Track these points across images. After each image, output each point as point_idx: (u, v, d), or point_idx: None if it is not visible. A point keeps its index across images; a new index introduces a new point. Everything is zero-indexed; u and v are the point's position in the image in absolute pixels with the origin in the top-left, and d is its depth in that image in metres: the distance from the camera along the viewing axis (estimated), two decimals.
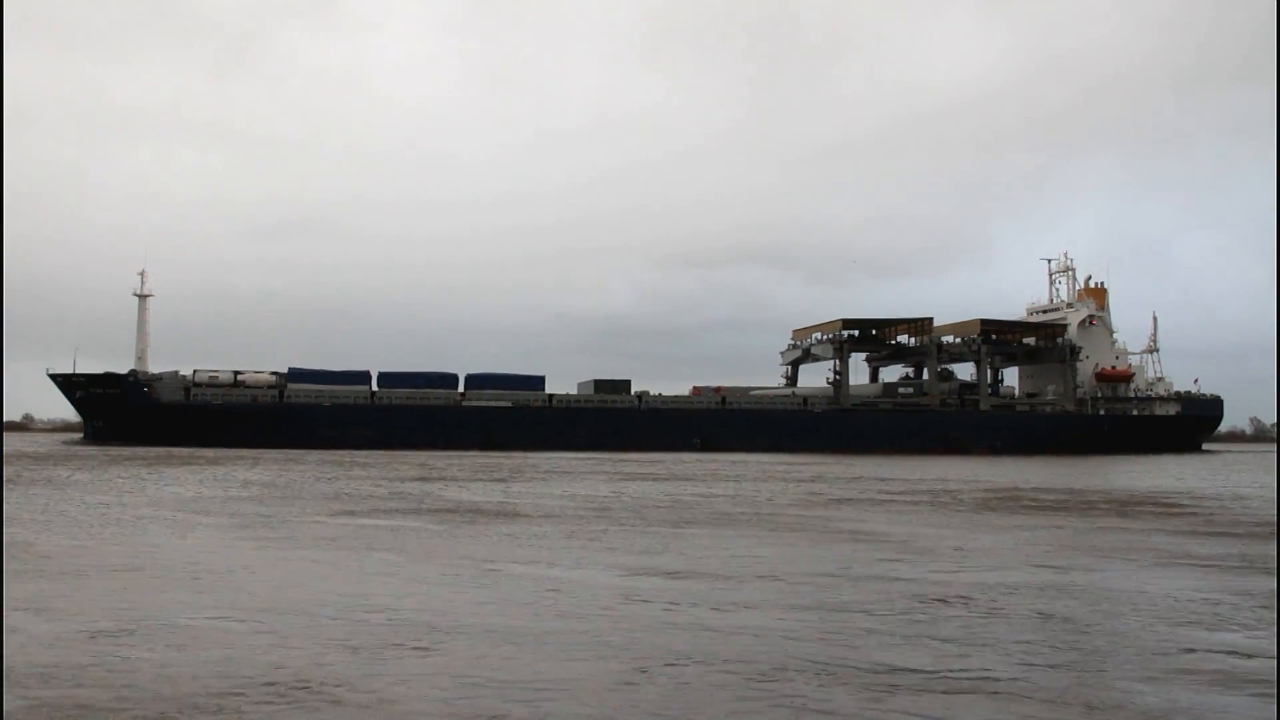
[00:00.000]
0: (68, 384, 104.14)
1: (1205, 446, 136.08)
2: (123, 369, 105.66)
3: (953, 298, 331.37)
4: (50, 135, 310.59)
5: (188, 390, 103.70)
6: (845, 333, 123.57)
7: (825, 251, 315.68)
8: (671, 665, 10.69)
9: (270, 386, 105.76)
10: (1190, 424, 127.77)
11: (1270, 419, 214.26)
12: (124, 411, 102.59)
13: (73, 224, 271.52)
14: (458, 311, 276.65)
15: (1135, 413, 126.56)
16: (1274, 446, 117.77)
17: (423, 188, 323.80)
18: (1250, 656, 11.42)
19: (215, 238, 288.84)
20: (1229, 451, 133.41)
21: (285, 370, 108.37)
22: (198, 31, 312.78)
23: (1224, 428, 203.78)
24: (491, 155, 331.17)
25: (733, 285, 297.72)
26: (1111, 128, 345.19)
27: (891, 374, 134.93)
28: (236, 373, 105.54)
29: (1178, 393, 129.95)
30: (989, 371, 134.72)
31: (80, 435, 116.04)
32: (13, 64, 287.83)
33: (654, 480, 48.27)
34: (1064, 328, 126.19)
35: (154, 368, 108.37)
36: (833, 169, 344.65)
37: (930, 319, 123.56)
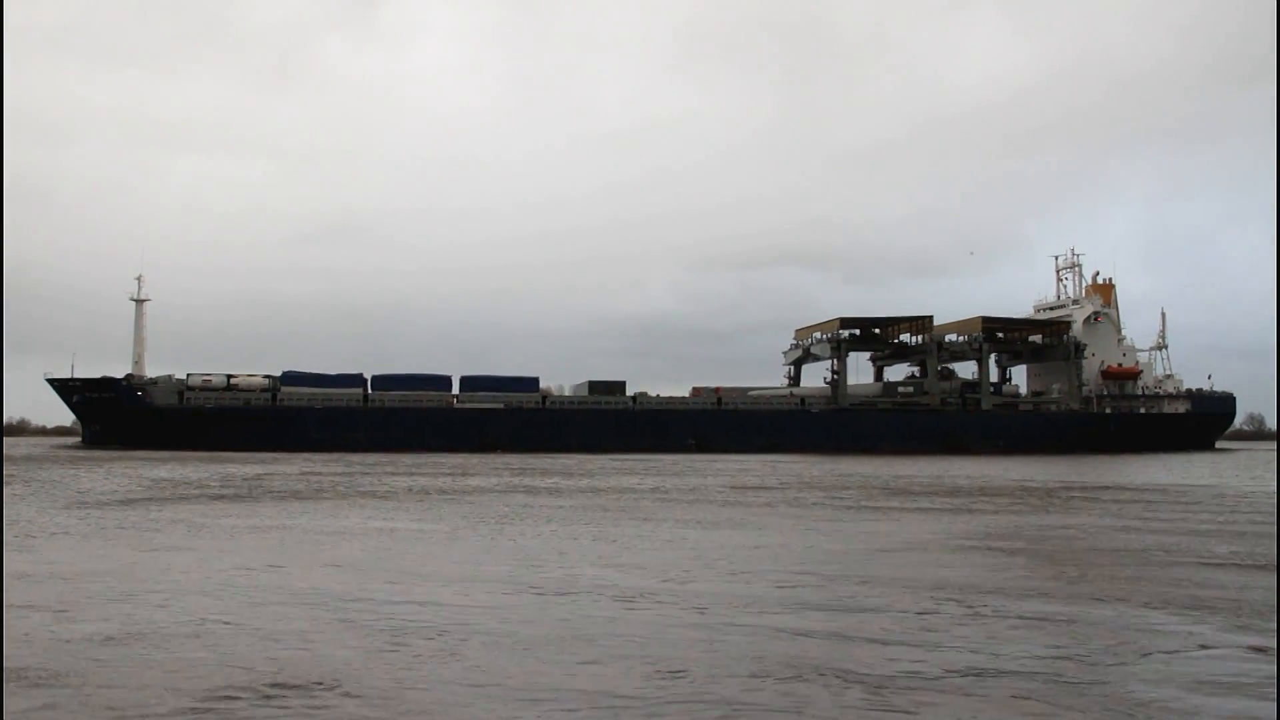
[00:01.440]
0: (64, 388, 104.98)
1: (1220, 445, 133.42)
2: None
3: (990, 297, 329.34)
4: (99, 149, 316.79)
5: (181, 394, 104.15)
6: (845, 332, 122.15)
7: (863, 252, 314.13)
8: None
9: (263, 390, 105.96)
10: (1201, 422, 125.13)
11: None
12: (119, 415, 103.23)
13: (115, 235, 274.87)
14: (493, 315, 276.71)
15: (1143, 411, 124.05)
16: None
17: (460, 194, 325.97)
18: None
19: (256, 247, 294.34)
20: (1248, 449, 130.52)
21: (279, 373, 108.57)
22: (241, 46, 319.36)
23: (1270, 425, 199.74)
24: (527, 161, 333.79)
25: (771, 286, 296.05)
26: (1144, 125, 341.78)
27: (897, 373, 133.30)
28: (229, 376, 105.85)
29: (1188, 390, 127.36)
30: (997, 370, 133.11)
31: (79, 439, 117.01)
32: (63, 80, 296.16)
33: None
34: (1068, 324, 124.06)
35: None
36: (867, 170, 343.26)
37: (930, 317, 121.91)
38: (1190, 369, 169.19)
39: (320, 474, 51.69)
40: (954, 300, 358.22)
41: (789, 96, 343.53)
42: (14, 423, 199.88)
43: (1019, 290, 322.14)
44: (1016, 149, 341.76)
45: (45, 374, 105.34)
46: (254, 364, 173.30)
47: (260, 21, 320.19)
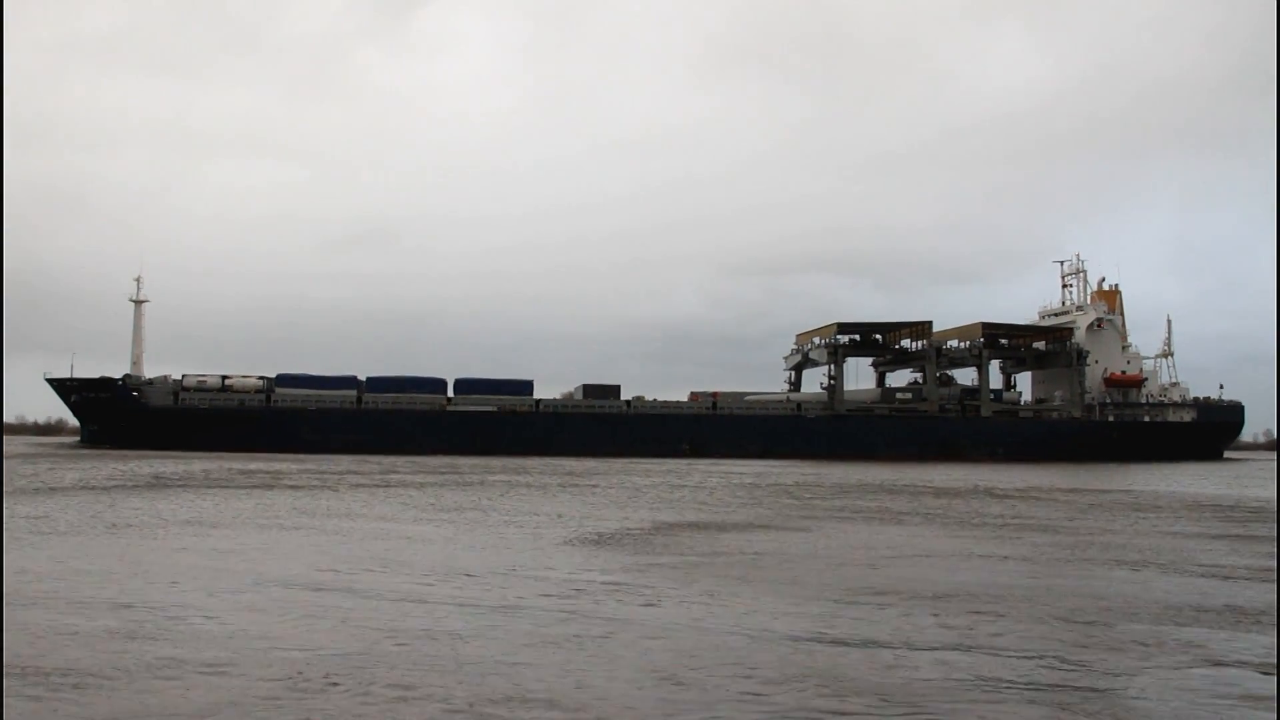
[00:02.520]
0: (62, 388, 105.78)
1: (1230, 455, 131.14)
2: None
3: (1018, 303, 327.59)
4: (136, 155, 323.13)
5: (176, 394, 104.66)
6: (843, 337, 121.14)
7: (892, 258, 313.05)
8: None
9: (257, 391, 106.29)
10: (1207, 431, 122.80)
11: None
12: (115, 415, 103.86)
13: (155, 239, 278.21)
14: (523, 321, 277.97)
15: (1146, 419, 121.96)
16: None
17: (488, 201, 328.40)
18: None
19: (288, 252, 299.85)
20: (1257, 459, 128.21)
21: (275, 375, 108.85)
22: (277, 55, 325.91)
23: None
24: (556, 168, 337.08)
25: (800, 292, 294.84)
26: (1174, 132, 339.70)
27: (900, 379, 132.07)
28: (224, 377, 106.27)
29: (1195, 398, 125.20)
30: (1001, 377, 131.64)
31: (77, 439, 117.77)
32: (105, 88, 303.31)
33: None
34: (1071, 331, 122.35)
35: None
36: (893, 176, 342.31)
37: (929, 323, 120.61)
38: (1218, 377, 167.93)
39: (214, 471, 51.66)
40: (983, 306, 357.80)
41: (817, 102, 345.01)
42: (52, 423, 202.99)
43: (1046, 297, 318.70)
44: (1044, 155, 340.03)
45: (44, 373, 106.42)
46: (273, 367, 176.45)
47: (295, 32, 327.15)
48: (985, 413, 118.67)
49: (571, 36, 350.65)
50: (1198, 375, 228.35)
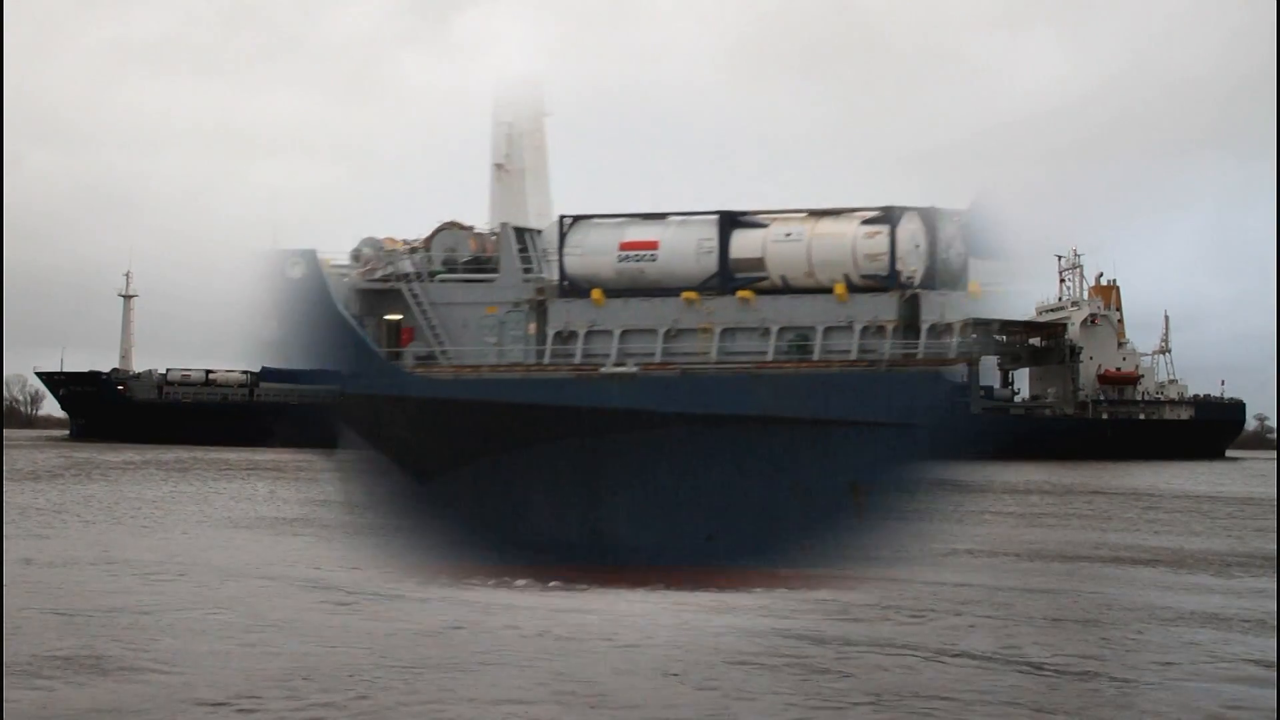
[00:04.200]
0: (51, 381, 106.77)
1: (1232, 454, 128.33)
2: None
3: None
4: (182, 157, 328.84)
5: (160, 388, 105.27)
6: None
7: None
8: None
9: (241, 385, 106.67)
10: (1206, 428, 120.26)
11: None
12: (101, 409, 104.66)
13: (194, 238, 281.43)
14: None
15: (1142, 417, 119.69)
16: None
17: None
18: None
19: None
20: (1259, 458, 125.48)
21: (259, 369, 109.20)
22: (322, 59, 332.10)
23: None
24: (590, 169, 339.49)
25: None
26: (1207, 129, 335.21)
27: None
28: (208, 371, 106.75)
29: (1194, 396, 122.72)
30: (998, 373, 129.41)
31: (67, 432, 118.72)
32: (155, 91, 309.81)
33: None
34: (1064, 327, 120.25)
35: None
36: (927, 173, 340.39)
37: None
38: (1254, 377, 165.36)
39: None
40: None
41: (846, 101, 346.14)
42: None
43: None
44: (1084, 154, 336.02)
45: (34, 368, 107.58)
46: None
47: (338, 37, 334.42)
48: (974, 409, 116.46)
49: (605, 38, 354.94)
50: (1233, 374, 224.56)
